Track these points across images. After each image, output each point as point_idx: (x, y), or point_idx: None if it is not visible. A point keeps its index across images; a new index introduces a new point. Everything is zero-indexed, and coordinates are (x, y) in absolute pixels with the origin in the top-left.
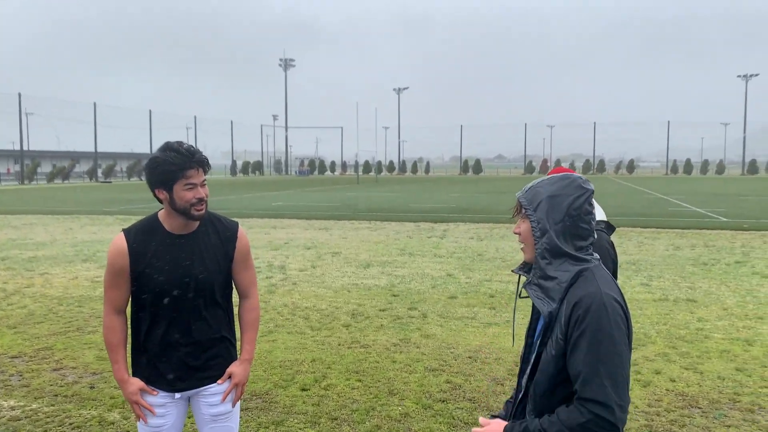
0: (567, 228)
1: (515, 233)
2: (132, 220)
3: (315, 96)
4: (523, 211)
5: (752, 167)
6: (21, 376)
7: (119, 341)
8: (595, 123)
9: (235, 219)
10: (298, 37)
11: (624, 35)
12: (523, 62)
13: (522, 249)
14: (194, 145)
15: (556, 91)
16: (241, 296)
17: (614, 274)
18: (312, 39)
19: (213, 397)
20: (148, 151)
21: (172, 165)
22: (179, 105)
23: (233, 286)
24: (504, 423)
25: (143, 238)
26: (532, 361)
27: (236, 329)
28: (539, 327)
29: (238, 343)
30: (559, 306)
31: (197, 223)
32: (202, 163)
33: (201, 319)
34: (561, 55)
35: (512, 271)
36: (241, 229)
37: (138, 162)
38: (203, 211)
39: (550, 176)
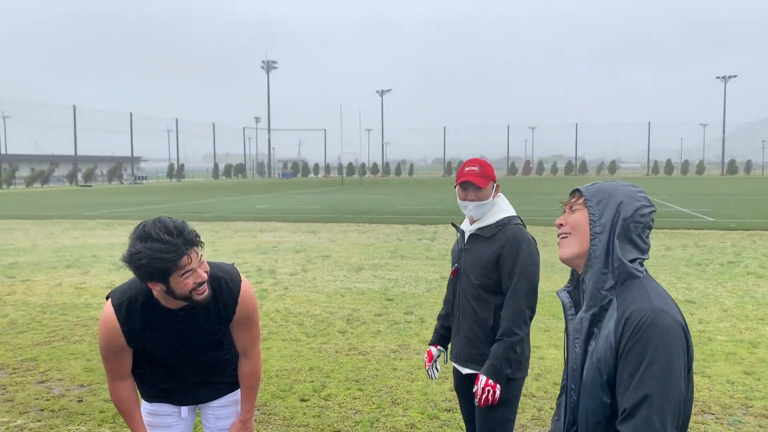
0: (630, 232)
1: (559, 224)
2: (114, 224)
3: (297, 99)
4: (585, 202)
5: (731, 167)
6: (4, 389)
7: (131, 406)
8: (576, 124)
9: (232, 264)
10: (276, 42)
11: (602, 37)
12: (504, 64)
13: (563, 242)
14: (179, 222)
15: (538, 93)
16: (241, 354)
17: None
18: (289, 43)
19: (221, 409)
20: (128, 155)
21: (162, 260)
22: (160, 108)
23: None
24: None
25: (136, 314)
26: (580, 379)
27: None
28: (581, 336)
29: None
30: (602, 313)
31: None
32: (196, 243)
33: (204, 358)
34: (541, 57)
35: (558, 292)
36: (245, 290)
37: (118, 166)
38: (206, 293)
39: (617, 180)
